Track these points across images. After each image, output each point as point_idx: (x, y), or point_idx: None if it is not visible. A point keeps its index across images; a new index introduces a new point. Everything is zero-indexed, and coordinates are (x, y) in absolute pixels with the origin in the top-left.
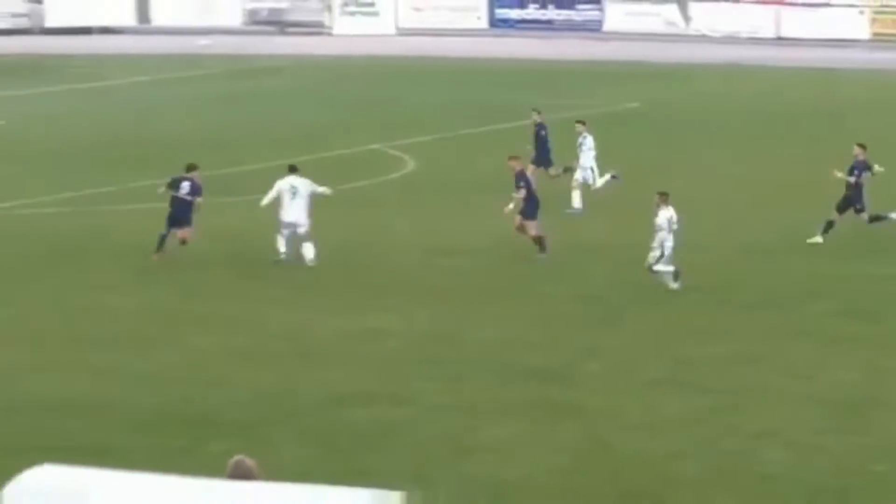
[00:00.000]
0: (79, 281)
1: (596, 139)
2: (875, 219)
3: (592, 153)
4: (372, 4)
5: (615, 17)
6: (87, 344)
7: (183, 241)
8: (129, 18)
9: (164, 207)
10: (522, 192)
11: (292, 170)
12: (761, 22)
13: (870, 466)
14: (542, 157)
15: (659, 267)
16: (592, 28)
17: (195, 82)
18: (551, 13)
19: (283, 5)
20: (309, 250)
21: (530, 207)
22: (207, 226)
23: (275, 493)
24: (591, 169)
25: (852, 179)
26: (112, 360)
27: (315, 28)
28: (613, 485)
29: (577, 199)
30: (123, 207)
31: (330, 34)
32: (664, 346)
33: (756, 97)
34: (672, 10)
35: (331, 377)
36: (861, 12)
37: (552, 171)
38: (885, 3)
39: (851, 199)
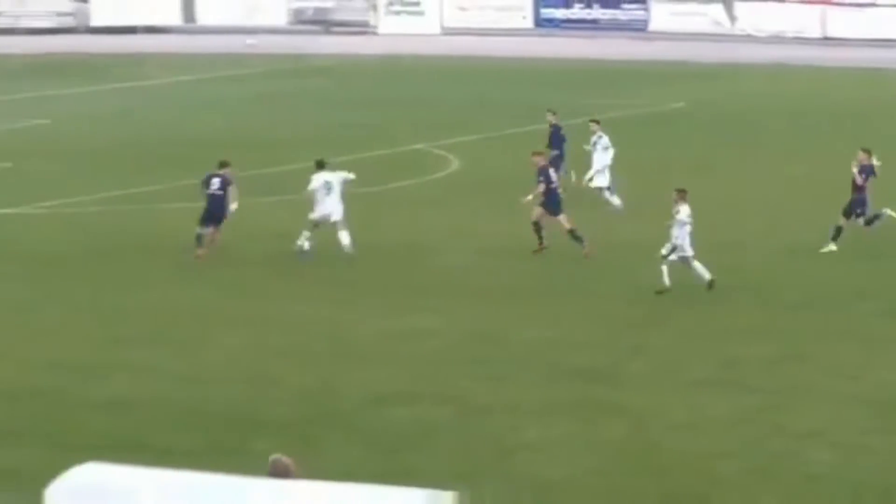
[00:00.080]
0: (121, 280)
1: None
2: (871, 221)
3: (611, 152)
4: (417, 4)
5: (660, 17)
6: (129, 343)
7: (210, 241)
8: (174, 18)
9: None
10: (542, 187)
11: (321, 165)
12: (807, 22)
13: None
14: (556, 159)
15: (699, 266)
16: (638, 28)
17: (240, 82)
18: (596, 13)
19: (329, 5)
20: (345, 237)
21: (552, 203)
22: (250, 225)
23: (330, 493)
24: (607, 168)
25: (860, 181)
26: (154, 359)
27: (360, 27)
28: (658, 485)
29: (615, 199)
30: (166, 206)
31: (375, 34)
32: (710, 345)
33: (802, 97)
34: (717, 10)
35: (374, 377)
36: None
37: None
38: None
39: (856, 203)
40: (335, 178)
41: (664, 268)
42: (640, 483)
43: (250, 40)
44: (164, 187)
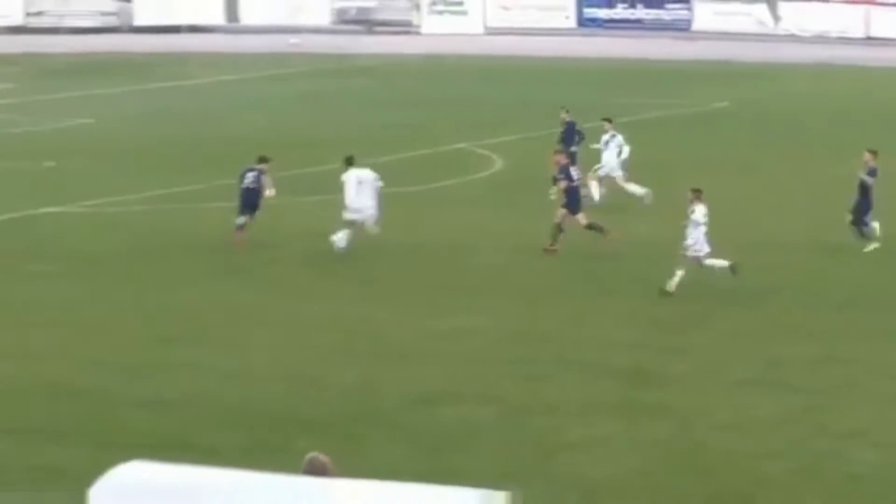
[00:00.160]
0: (164, 278)
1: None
2: (856, 223)
3: (626, 150)
4: (460, 3)
5: (704, 17)
6: (172, 341)
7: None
8: (217, 17)
9: None
10: (563, 184)
11: (350, 161)
12: (851, 21)
13: None
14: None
15: (713, 261)
16: (681, 27)
17: (283, 81)
18: (640, 12)
19: (372, 4)
20: (374, 228)
21: (572, 202)
22: (292, 224)
23: (382, 492)
24: (619, 167)
25: (869, 181)
26: (198, 358)
27: (403, 27)
28: (703, 485)
29: (594, 190)
30: (209, 205)
31: (418, 33)
32: (753, 345)
33: (845, 97)
34: (761, 10)
35: (416, 376)
36: None
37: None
38: None
39: (862, 204)
40: (366, 174)
41: (680, 272)
42: (685, 483)
43: (293, 40)
44: (207, 186)
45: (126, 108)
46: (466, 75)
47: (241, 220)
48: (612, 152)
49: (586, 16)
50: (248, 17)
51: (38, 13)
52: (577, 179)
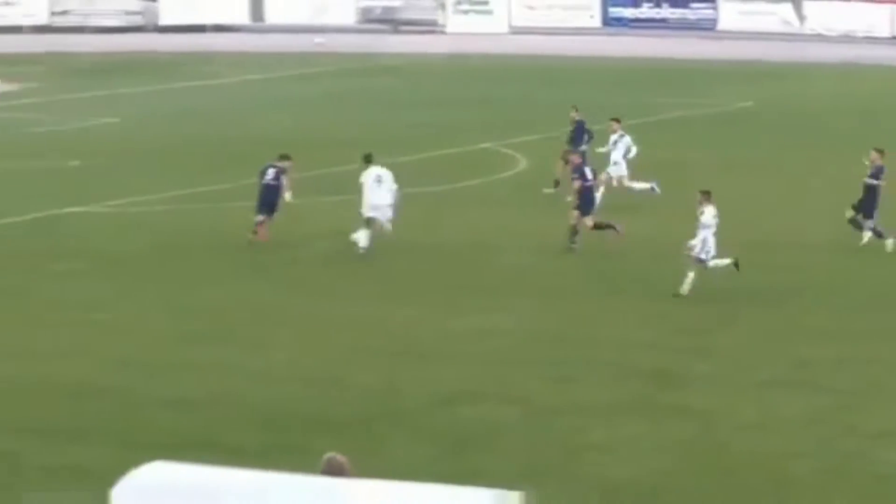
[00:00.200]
0: (188, 278)
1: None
2: (853, 223)
3: (633, 150)
4: (485, 3)
5: (729, 16)
6: (196, 341)
7: (260, 224)
8: (243, 16)
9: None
10: (577, 185)
11: (369, 159)
12: (876, 21)
13: None
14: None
15: (716, 262)
16: (706, 27)
17: (308, 81)
18: (665, 11)
19: (397, 4)
20: (386, 225)
21: (585, 203)
22: (317, 224)
23: (398, 492)
24: (625, 167)
25: (879, 183)
26: (221, 357)
27: (428, 26)
28: (726, 485)
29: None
30: (234, 205)
31: (443, 32)
32: (779, 346)
33: (871, 97)
34: (787, 9)
35: (439, 376)
36: None
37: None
38: None
39: (868, 203)
40: (385, 172)
41: (692, 274)
42: (709, 484)
43: (319, 39)
44: (233, 186)
45: (151, 107)
46: (491, 75)
47: (260, 218)
48: (620, 153)
49: (611, 15)
50: (273, 16)
51: (64, 12)
52: (591, 180)
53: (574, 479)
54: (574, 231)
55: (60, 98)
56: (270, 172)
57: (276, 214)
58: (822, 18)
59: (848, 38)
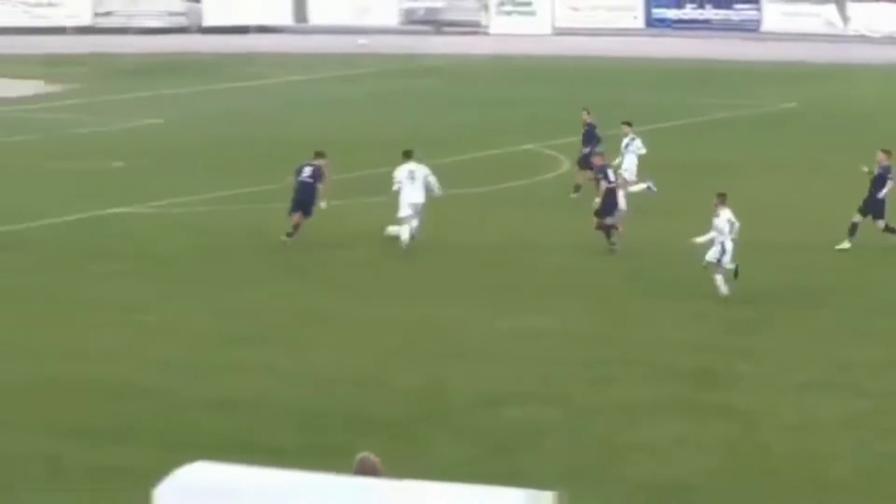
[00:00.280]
0: (231, 279)
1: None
2: (853, 228)
3: (643, 152)
4: (529, 4)
5: (773, 17)
6: (239, 342)
7: (296, 226)
8: (286, 18)
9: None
10: (602, 185)
11: (408, 155)
12: None
13: None
14: (585, 158)
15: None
16: (750, 28)
17: (351, 82)
18: (708, 13)
19: (440, 5)
20: (415, 222)
21: (607, 205)
22: (360, 225)
23: (431, 492)
24: (631, 171)
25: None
26: (263, 358)
27: (471, 27)
28: (768, 486)
29: (621, 200)
30: (277, 206)
31: (486, 34)
32: (818, 348)
33: None
34: (830, 11)
35: (483, 377)
36: None
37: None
38: None
39: (873, 203)
40: (419, 169)
41: (718, 276)
42: (751, 484)
43: (362, 40)
44: (275, 187)
45: (194, 108)
46: (534, 76)
47: (294, 217)
48: (632, 156)
49: (655, 16)
50: (316, 17)
51: (107, 13)
52: (613, 181)
53: (617, 479)
54: (608, 233)
55: (104, 99)
56: (306, 170)
57: (312, 215)
58: (865, 20)
59: (892, 40)
